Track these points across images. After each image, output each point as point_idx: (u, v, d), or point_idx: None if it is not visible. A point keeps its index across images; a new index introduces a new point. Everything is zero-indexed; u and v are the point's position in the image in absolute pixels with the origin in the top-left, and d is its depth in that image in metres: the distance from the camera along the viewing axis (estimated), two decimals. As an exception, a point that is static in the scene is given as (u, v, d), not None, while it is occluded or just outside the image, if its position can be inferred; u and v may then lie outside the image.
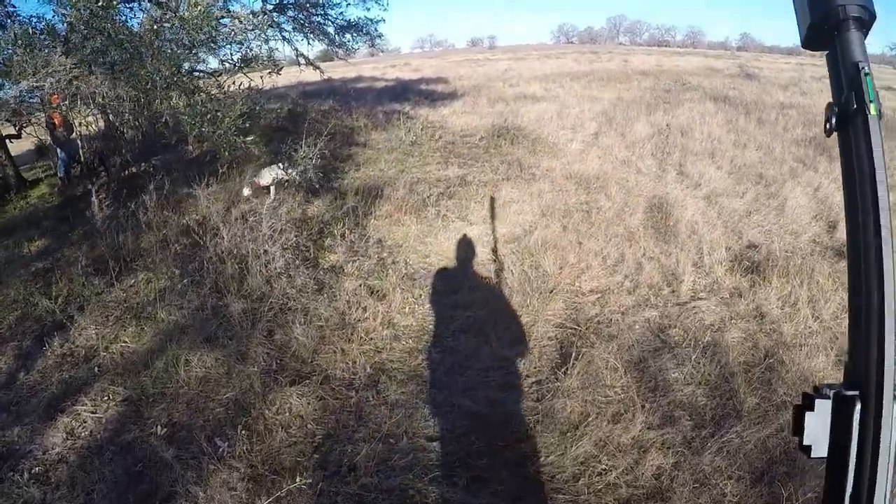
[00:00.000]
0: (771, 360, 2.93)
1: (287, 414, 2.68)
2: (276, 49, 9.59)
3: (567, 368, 2.82)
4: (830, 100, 0.56)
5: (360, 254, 4.42)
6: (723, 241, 4.47)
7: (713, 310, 3.45)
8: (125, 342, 3.42)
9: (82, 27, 3.73)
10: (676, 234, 4.66)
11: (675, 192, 5.69)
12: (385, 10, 9.78)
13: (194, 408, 2.79)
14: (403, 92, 15.05)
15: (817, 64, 30.15)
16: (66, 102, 5.95)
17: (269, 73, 5.83)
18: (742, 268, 3.92)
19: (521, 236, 4.66)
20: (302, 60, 9.99)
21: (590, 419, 2.54)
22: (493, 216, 5.13)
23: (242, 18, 4.97)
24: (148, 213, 4.67)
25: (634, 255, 4.19)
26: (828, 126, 0.56)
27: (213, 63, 4.95)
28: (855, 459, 0.52)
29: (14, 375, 3.20)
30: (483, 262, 4.30)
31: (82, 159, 7.26)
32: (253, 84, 5.64)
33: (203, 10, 4.36)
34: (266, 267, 3.95)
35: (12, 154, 9.81)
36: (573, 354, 2.94)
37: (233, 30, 4.86)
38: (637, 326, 3.28)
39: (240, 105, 4.32)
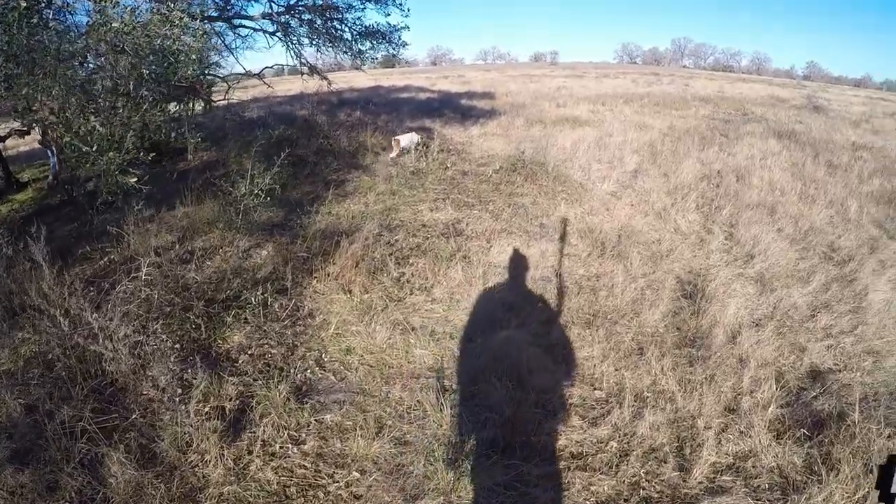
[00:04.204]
0: None
1: None
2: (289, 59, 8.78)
3: None
4: None
5: (270, 335, 3.35)
6: (773, 364, 3.14)
7: (740, 520, 2.15)
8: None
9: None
10: (709, 345, 3.34)
11: (719, 270, 4.33)
12: (406, 16, 8.94)
13: None
14: (441, 106, 14.13)
15: (887, 99, 27.28)
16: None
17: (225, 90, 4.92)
18: (797, 434, 2.56)
19: (489, 330, 3.45)
20: (306, 69, 9.23)
21: None
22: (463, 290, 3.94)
23: (177, 21, 4.02)
24: (42, 252, 3.72)
25: (637, 385, 2.90)
26: None
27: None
28: None
29: None
30: (420, 374, 3.09)
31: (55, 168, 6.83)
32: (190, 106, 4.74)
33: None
34: (132, 352, 2.93)
35: (32, 149, 9.63)
36: None
37: (163, 38, 3.94)
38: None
39: (132, 134, 3.33)
